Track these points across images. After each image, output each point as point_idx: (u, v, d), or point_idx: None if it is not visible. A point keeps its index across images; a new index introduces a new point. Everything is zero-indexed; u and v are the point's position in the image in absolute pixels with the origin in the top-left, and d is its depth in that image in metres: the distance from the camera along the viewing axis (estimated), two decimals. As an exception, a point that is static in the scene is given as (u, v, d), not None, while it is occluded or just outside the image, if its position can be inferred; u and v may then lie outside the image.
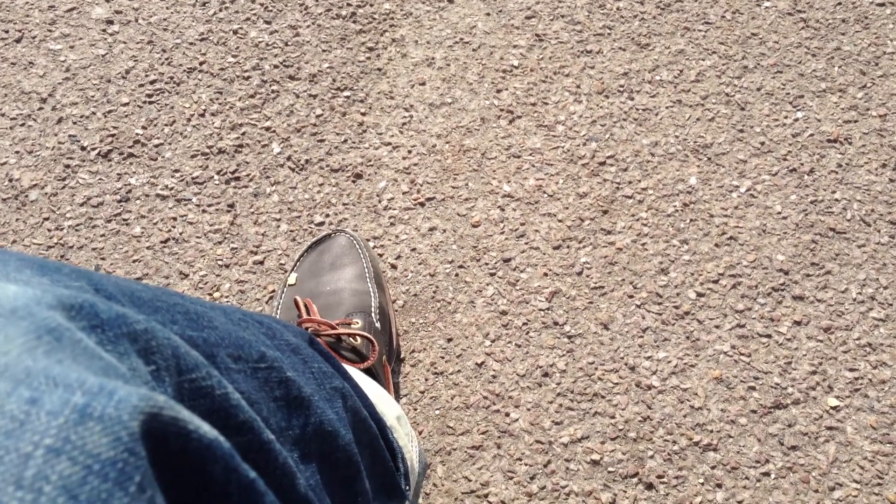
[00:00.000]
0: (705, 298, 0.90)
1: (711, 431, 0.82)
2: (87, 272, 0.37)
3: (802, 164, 0.99)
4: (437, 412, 0.84)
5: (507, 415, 0.84)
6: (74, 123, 1.04)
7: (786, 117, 1.03)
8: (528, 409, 0.84)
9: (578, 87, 1.07)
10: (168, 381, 0.34)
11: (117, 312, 0.32)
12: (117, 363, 0.30)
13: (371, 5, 1.15)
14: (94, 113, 1.05)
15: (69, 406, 0.26)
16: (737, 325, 0.88)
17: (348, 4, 1.15)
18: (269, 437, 0.39)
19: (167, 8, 1.14)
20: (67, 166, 1.01)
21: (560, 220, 0.96)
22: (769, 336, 0.87)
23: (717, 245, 0.94)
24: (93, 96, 1.06)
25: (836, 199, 0.96)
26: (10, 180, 1.00)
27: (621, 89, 1.07)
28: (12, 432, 0.25)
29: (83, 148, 1.02)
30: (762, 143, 1.01)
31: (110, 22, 1.13)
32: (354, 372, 0.74)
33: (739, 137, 1.02)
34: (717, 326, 0.88)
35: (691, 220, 0.96)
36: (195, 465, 0.31)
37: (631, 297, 0.90)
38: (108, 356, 0.30)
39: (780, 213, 0.96)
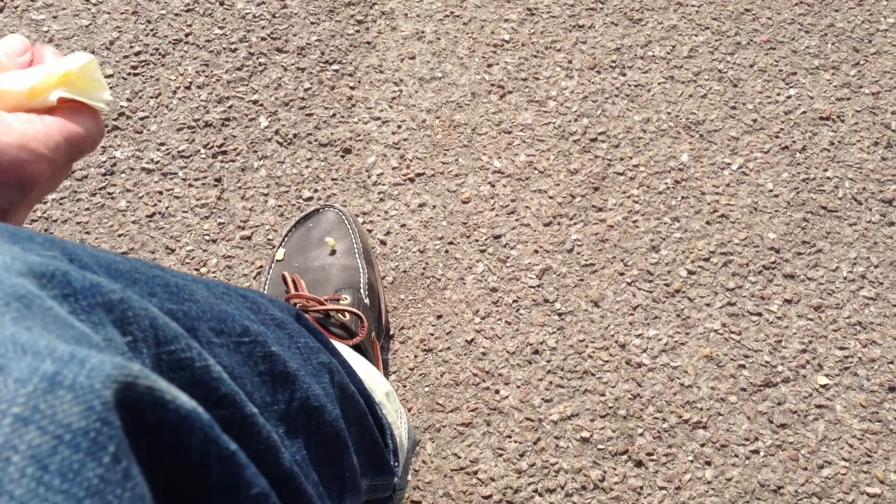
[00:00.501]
0: (696, 276, 0.90)
1: (701, 409, 0.81)
2: (62, 242, 0.35)
3: (795, 142, 0.99)
4: (427, 389, 0.84)
5: (497, 392, 0.83)
6: (58, 95, 1.02)
7: (778, 94, 1.03)
8: (518, 387, 0.83)
9: (570, 62, 1.06)
10: (146, 352, 0.33)
11: (91, 282, 0.31)
12: (91, 332, 0.29)
13: (360, -23, 1.13)
14: (78, 85, 1.03)
15: (38, 374, 0.25)
16: (727, 304, 0.88)
17: (337, -24, 1.13)
18: (251, 410, 0.38)
19: (153, -22, 1.12)
20: (51, 139, 0.99)
21: (551, 197, 0.95)
22: (760, 314, 0.87)
23: (708, 223, 0.93)
24: (77, 68, 1.04)
25: (828, 178, 0.96)
26: (-7, 153, 0.98)
27: (613, 65, 1.06)
28: None
29: (67, 120, 1.00)
30: (754, 121, 1.01)
31: (94, -8, 1.11)
32: (343, 348, 0.74)
33: (732, 114, 1.01)
34: (707, 304, 0.88)
35: (683, 197, 0.95)
36: (172, 436, 0.30)
37: (622, 274, 0.90)
38: (81, 325, 0.29)
39: (771, 190, 0.95)
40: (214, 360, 0.37)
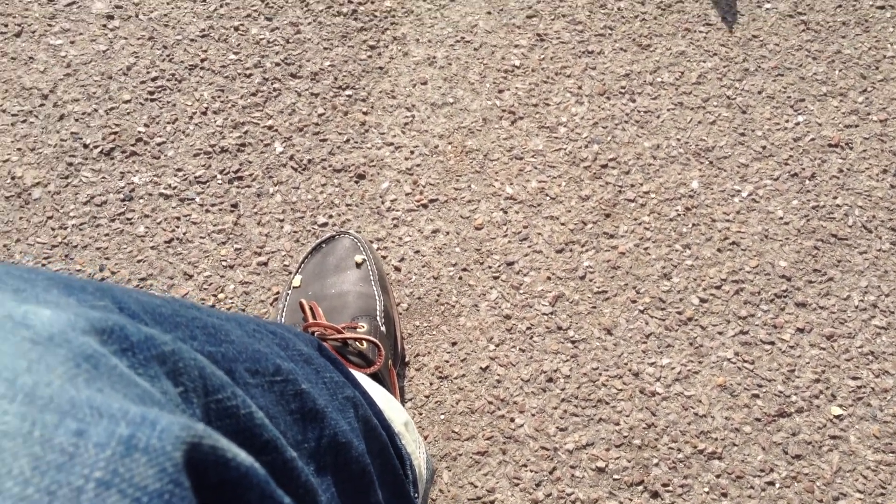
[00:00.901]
0: (708, 304, 0.91)
1: (716, 439, 0.82)
2: (110, 289, 0.37)
3: (804, 169, 1.00)
4: (443, 417, 0.85)
5: (512, 420, 0.84)
6: (76, 121, 1.03)
7: (787, 121, 1.04)
8: (533, 415, 0.84)
9: (580, 88, 1.07)
10: (196, 402, 0.34)
11: (146, 334, 0.33)
12: (151, 388, 0.30)
13: (372, 3, 1.15)
14: (95, 110, 1.04)
15: (115, 438, 0.26)
16: (740, 332, 0.89)
17: (349, 2, 1.14)
18: (291, 454, 0.39)
19: (167, 3, 1.13)
20: (70, 164, 1.00)
21: (563, 224, 0.97)
22: (772, 343, 0.88)
23: (719, 250, 0.94)
24: (94, 93, 1.05)
25: (838, 205, 0.97)
26: (13, 178, 0.99)
27: (623, 91, 1.07)
28: (63, 466, 0.25)
29: (86, 146, 1.01)
30: (763, 147, 1.02)
31: (111, 17, 1.12)
32: (362, 378, 0.75)
33: (741, 141, 1.02)
34: (720, 333, 0.89)
35: (693, 224, 0.96)
36: (234, 493, 0.31)
37: (634, 302, 0.91)
38: (142, 381, 0.30)
39: (781, 218, 0.96)
40: (254, 404, 0.39)
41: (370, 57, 1.10)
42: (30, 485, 0.24)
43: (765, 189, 0.99)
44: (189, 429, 0.28)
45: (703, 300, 0.91)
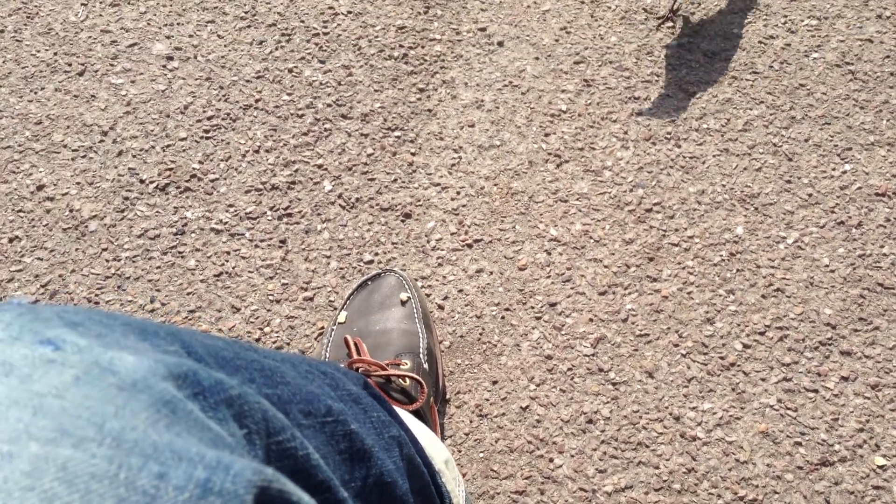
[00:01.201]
0: (751, 350, 0.90)
1: (757, 486, 0.82)
2: (178, 333, 0.39)
3: (850, 217, 1.00)
4: (482, 455, 0.85)
5: (551, 460, 0.84)
6: (134, 157, 1.07)
7: (833, 169, 1.04)
8: (572, 456, 0.84)
9: (626, 133, 1.08)
10: (258, 443, 0.36)
11: (215, 379, 0.35)
12: (221, 431, 0.32)
13: (422, 47, 1.18)
14: (153, 147, 1.08)
15: (193, 481, 0.28)
16: (783, 379, 0.88)
17: (400, 46, 1.17)
18: (343, 495, 0.41)
19: (225, 46, 1.18)
20: (126, 198, 1.03)
21: (606, 266, 0.97)
22: (816, 391, 0.87)
23: (763, 296, 0.94)
24: (152, 130, 1.09)
25: (885, 254, 0.96)
26: (71, 211, 1.03)
27: (668, 136, 1.08)
28: None
29: (142, 181, 1.05)
30: (809, 195, 1.02)
31: (170, 58, 1.16)
32: (404, 415, 0.75)
33: (787, 188, 1.02)
34: (763, 379, 0.88)
35: (738, 270, 0.96)
36: None
37: (676, 345, 0.91)
38: (214, 425, 0.32)
39: (827, 266, 0.96)
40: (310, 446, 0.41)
41: (419, 99, 1.12)
42: None
43: (810, 236, 0.98)
44: (260, 473, 0.30)
45: (746, 346, 0.91)
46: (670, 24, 1.18)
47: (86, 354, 0.31)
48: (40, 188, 1.05)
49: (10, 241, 1.01)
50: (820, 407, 0.86)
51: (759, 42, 1.16)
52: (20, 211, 1.03)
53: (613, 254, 0.98)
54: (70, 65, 1.16)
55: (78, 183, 1.05)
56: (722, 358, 0.90)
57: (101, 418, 0.29)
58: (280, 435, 0.38)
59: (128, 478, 0.27)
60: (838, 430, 0.85)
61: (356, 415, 0.53)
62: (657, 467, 0.83)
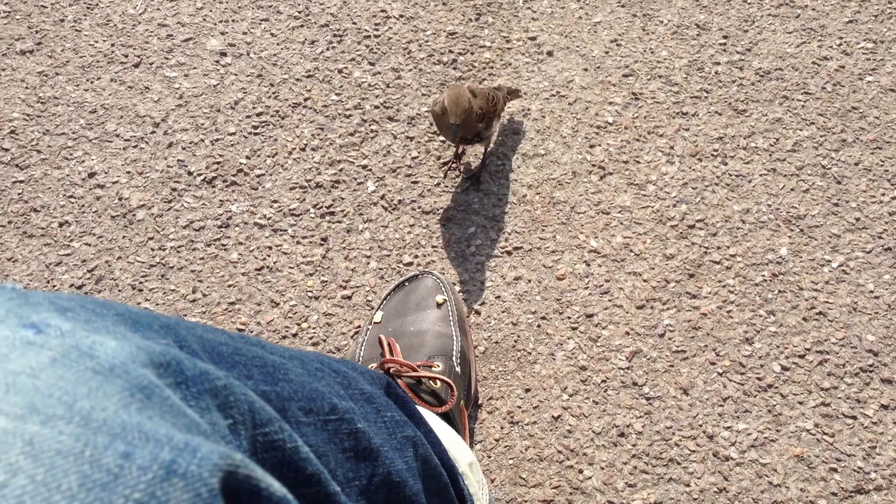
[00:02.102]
0: (790, 373, 0.89)
1: (789, 510, 0.80)
2: (176, 326, 0.40)
3: (898, 244, 0.98)
4: (511, 462, 0.85)
5: (581, 472, 0.84)
6: (183, 149, 1.09)
7: (883, 194, 1.02)
8: (602, 468, 0.84)
9: (672, 148, 1.08)
10: (243, 434, 0.37)
11: (201, 370, 0.35)
12: (199, 419, 0.33)
13: (472, 53, 1.18)
14: (202, 140, 1.10)
15: (157, 461, 0.28)
16: (821, 404, 0.87)
17: (450, 51, 1.18)
18: (334, 489, 0.41)
19: (278, 44, 1.19)
20: (174, 189, 1.05)
21: (645, 280, 0.97)
22: (854, 418, 0.86)
23: (805, 319, 0.93)
24: (202, 124, 1.11)
25: (932, 283, 0.95)
26: (120, 199, 1.05)
27: (715, 153, 1.07)
28: (107, 485, 0.27)
29: (190, 173, 1.07)
30: (857, 219, 1.00)
31: (224, 54, 1.18)
32: (430, 416, 0.76)
33: (834, 211, 1.01)
34: (800, 403, 0.87)
35: (780, 291, 0.95)
36: None
37: (713, 364, 0.90)
38: (191, 412, 0.33)
39: (872, 292, 0.94)
40: (302, 440, 0.41)
41: (466, 105, 1.13)
42: (75, 500, 0.26)
43: (856, 261, 0.97)
44: (227, 457, 0.30)
45: (784, 368, 0.89)
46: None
47: (67, 338, 0.32)
48: (92, 175, 1.07)
49: (60, 225, 1.03)
50: (858, 434, 0.85)
51: (813, 63, 1.15)
52: (71, 197, 1.05)
53: (653, 268, 0.97)
54: (126, 56, 1.18)
55: (128, 172, 1.07)
56: (759, 379, 0.89)
57: (73, 398, 0.29)
58: (267, 427, 0.38)
59: (93, 455, 0.27)
60: (875, 459, 0.83)
61: (366, 413, 0.53)
62: (688, 485, 0.82)
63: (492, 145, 1.08)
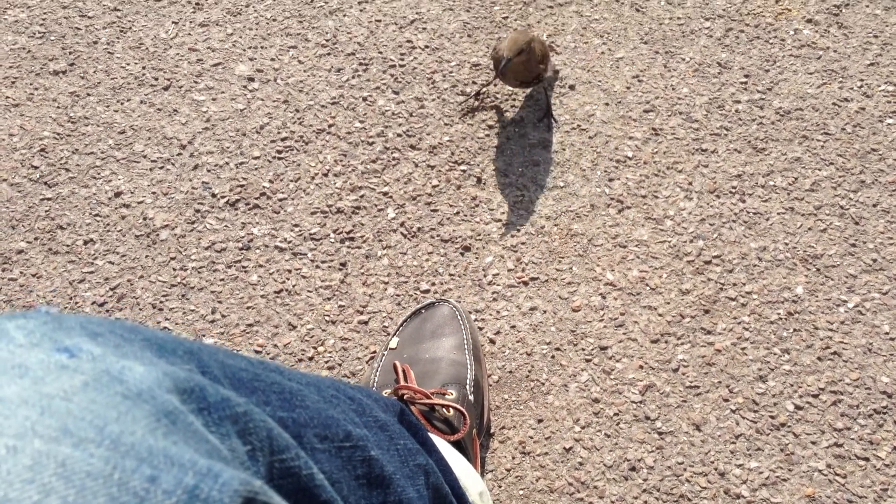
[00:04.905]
0: (803, 412, 0.89)
1: (799, 550, 0.80)
2: (199, 352, 0.41)
3: (915, 286, 0.98)
4: (522, 492, 0.85)
5: (591, 504, 0.84)
6: (208, 171, 1.11)
7: (901, 236, 1.02)
8: (613, 502, 0.84)
9: (690, 184, 1.08)
10: (261, 460, 0.38)
11: (223, 396, 0.37)
12: (220, 445, 0.34)
13: (494, 85, 1.20)
14: (227, 163, 1.12)
15: (182, 486, 0.29)
16: (834, 444, 0.87)
17: (473, 82, 1.20)
18: None
19: (304, 71, 1.21)
20: (198, 211, 1.07)
21: (660, 315, 0.97)
22: (867, 459, 0.85)
23: (819, 359, 0.93)
24: (228, 147, 1.13)
25: (949, 326, 0.94)
26: (145, 219, 1.07)
27: (733, 190, 1.07)
28: None
29: (214, 195, 1.08)
30: (874, 260, 1.00)
31: (251, 79, 1.21)
32: (442, 444, 0.76)
33: (851, 252, 1.01)
34: (813, 442, 0.87)
35: (795, 330, 0.95)
36: None
37: (726, 400, 0.90)
38: (213, 438, 0.34)
39: (887, 333, 0.94)
40: (317, 467, 0.42)
41: (487, 136, 1.14)
42: None
43: (872, 302, 0.97)
44: (247, 484, 0.31)
45: (798, 407, 0.89)
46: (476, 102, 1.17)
47: (99, 363, 0.33)
48: (118, 195, 1.09)
49: (85, 243, 1.05)
50: (870, 476, 0.84)
51: (833, 104, 1.16)
52: (97, 215, 1.07)
53: (669, 303, 0.98)
54: (157, 79, 1.21)
55: (154, 192, 1.09)
56: (772, 417, 0.89)
57: (103, 422, 0.30)
58: (284, 454, 0.39)
59: (121, 478, 0.28)
60: (887, 501, 0.83)
61: (380, 441, 0.54)
62: (697, 521, 0.82)
63: (552, 90, 1.18)
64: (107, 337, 0.36)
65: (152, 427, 0.31)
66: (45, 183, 1.11)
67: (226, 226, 1.06)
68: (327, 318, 0.98)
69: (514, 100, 1.18)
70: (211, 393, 0.36)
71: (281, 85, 1.20)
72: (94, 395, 0.31)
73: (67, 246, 1.05)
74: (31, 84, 1.21)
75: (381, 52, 1.23)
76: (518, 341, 0.96)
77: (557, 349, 0.95)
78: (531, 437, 0.89)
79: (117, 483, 0.28)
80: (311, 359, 0.95)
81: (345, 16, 1.28)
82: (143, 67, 1.23)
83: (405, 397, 0.79)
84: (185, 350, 0.40)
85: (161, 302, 1.00)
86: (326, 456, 0.47)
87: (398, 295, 1.00)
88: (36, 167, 1.12)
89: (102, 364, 0.33)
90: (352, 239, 1.05)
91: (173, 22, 1.28)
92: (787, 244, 1.02)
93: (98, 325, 0.37)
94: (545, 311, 0.98)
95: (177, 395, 0.34)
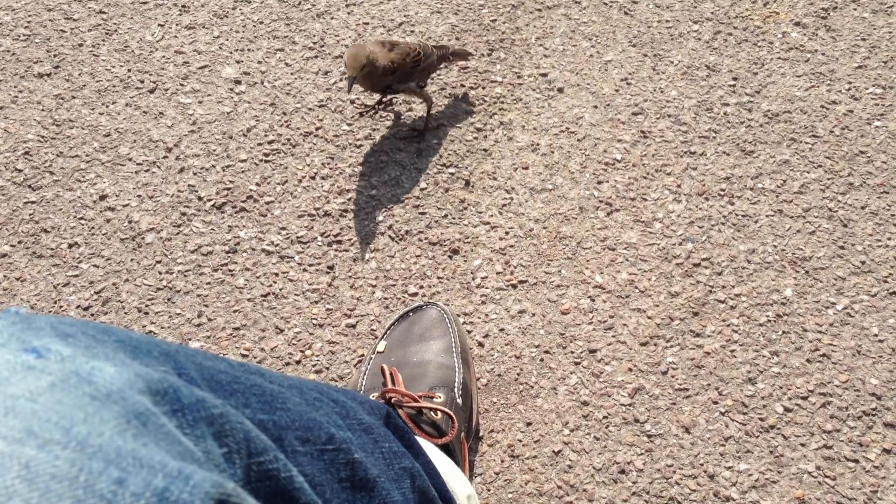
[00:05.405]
0: (793, 414, 0.89)
1: (789, 553, 0.80)
2: (175, 354, 0.40)
3: (903, 288, 0.98)
4: (510, 496, 0.85)
5: (580, 508, 0.83)
6: (195, 174, 1.10)
7: (889, 238, 1.02)
8: (602, 505, 0.83)
9: (679, 186, 1.08)
10: (238, 462, 0.37)
11: (197, 398, 0.36)
12: (193, 447, 0.33)
13: (483, 88, 1.19)
14: (213, 166, 1.11)
15: (150, 488, 0.28)
16: (823, 446, 0.86)
17: (461, 85, 1.19)
18: None
19: (292, 74, 1.21)
20: (184, 214, 1.06)
21: (649, 317, 0.97)
22: (856, 461, 0.85)
23: (808, 361, 0.93)
24: (214, 150, 1.12)
25: (937, 328, 0.94)
26: (130, 222, 1.06)
27: (722, 193, 1.07)
28: None
29: (200, 198, 1.08)
30: (863, 262, 1.00)
31: (238, 82, 1.20)
32: (430, 447, 0.76)
33: (840, 254, 1.01)
34: (802, 444, 0.86)
35: (783, 332, 0.95)
36: None
37: (715, 403, 0.90)
38: (186, 440, 0.33)
39: (876, 335, 0.94)
40: (297, 470, 0.41)
41: (476, 139, 1.14)
42: None
43: (861, 304, 0.97)
44: (219, 486, 0.30)
45: (787, 409, 0.89)
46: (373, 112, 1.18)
47: (67, 364, 0.33)
48: (103, 198, 1.08)
49: (70, 246, 1.04)
50: (860, 477, 0.84)
51: (822, 107, 1.16)
52: (81, 218, 1.06)
53: (658, 305, 0.98)
54: (142, 82, 1.20)
55: (139, 195, 1.08)
56: (762, 419, 0.88)
57: (70, 423, 0.30)
58: (262, 456, 0.38)
59: (87, 480, 0.28)
60: (877, 503, 0.82)
61: (364, 444, 0.54)
62: (687, 524, 0.82)
63: (433, 101, 1.14)
64: (78, 338, 0.35)
65: (121, 428, 0.31)
66: (30, 186, 1.09)
67: (212, 229, 1.05)
68: (315, 321, 0.97)
69: (502, 102, 1.18)
70: (185, 394, 0.36)
71: (268, 88, 1.19)
72: (60, 396, 0.31)
73: (52, 249, 1.04)
74: (15, 87, 1.20)
75: (368, 55, 1.23)
76: (507, 344, 0.95)
77: (546, 352, 0.94)
78: (520, 441, 0.88)
79: (83, 485, 0.27)
80: (298, 362, 0.94)
81: (332, 18, 1.28)
82: (129, 70, 1.22)
83: (393, 401, 0.78)
84: (160, 352, 0.39)
85: (147, 306, 0.99)
86: (308, 459, 0.46)
87: (386, 298, 0.99)
88: (20, 170, 1.11)
89: (71, 365, 0.32)
90: (339, 242, 1.04)
91: (159, 24, 1.27)
92: (775, 246, 1.02)
93: (70, 325, 0.36)
94: (534, 314, 0.97)
95: (149, 397, 0.34)
